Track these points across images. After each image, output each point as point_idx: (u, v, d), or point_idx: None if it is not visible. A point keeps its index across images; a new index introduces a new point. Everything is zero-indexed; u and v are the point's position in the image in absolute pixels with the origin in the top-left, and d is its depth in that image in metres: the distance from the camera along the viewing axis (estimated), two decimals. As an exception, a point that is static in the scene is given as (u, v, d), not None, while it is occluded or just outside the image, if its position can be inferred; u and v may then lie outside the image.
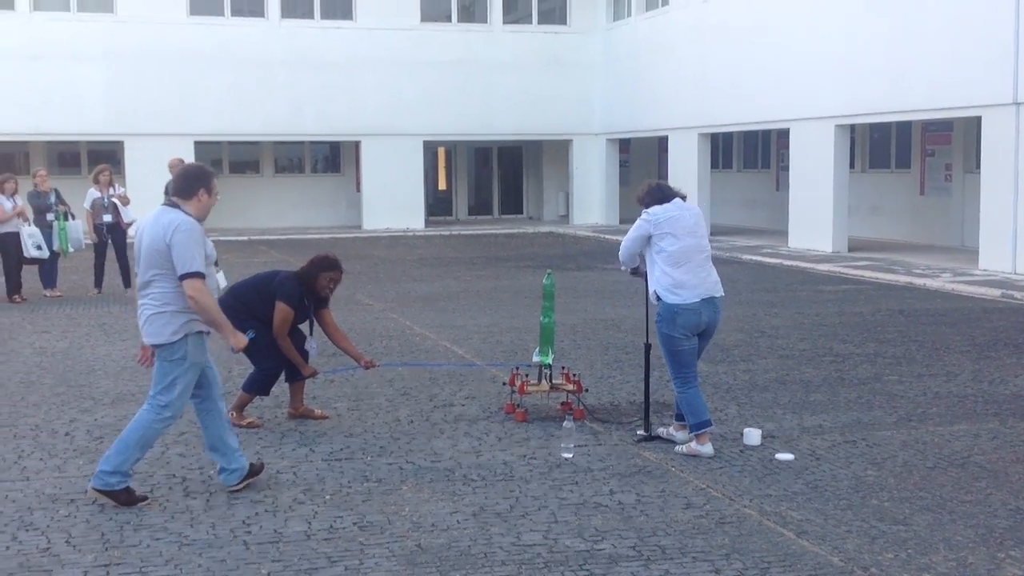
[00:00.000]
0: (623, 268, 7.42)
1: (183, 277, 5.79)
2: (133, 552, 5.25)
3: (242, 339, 6.18)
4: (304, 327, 7.85)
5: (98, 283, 15.66)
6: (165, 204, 6.04)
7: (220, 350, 7.13)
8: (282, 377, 7.84)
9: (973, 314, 13.23)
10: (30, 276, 15.27)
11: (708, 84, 24.86)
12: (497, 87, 29.32)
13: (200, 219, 5.99)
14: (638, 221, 7.05)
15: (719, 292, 7.02)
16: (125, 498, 5.95)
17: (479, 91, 29.18)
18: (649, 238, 6.96)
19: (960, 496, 6.08)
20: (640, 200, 7.11)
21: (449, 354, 10.60)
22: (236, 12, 27.90)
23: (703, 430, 6.91)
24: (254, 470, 6.31)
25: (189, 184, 6.03)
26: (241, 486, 6.19)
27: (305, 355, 7.79)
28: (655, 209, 6.98)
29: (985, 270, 17.36)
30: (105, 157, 26.48)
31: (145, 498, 6.02)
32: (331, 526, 5.62)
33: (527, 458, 6.88)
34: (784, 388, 8.97)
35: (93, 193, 15.53)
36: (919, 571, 4.97)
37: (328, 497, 6.10)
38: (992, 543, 5.34)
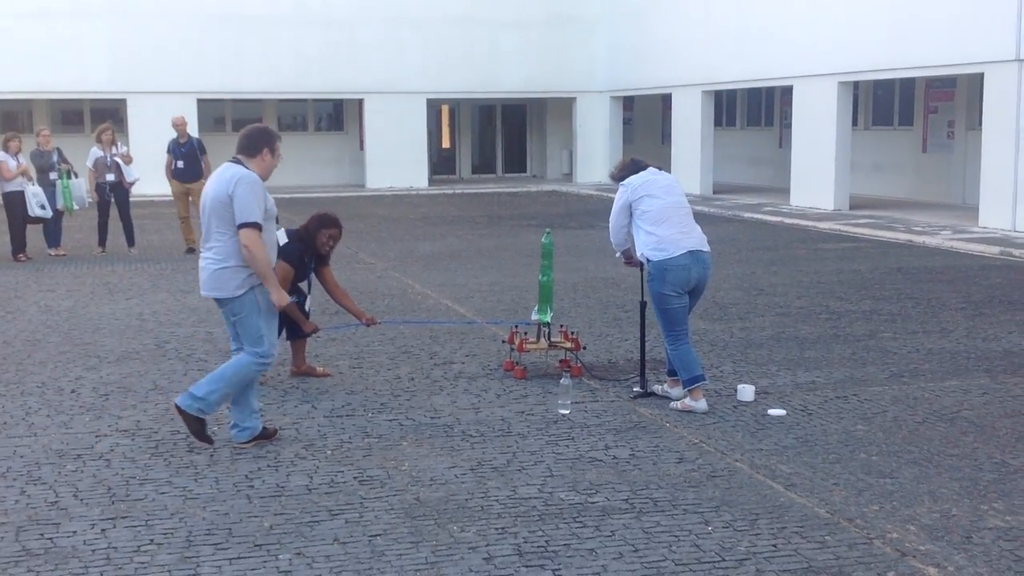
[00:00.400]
0: (617, 254, 7.54)
1: (241, 226, 5.95)
2: (139, 506, 5.39)
3: (285, 298, 6.24)
4: (304, 285, 7.95)
5: (102, 242, 15.77)
6: (231, 161, 6.21)
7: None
8: (283, 335, 7.95)
9: (971, 271, 13.31)
10: (34, 235, 15.38)
11: (712, 41, 24.78)
12: (501, 44, 29.19)
13: (263, 178, 6.18)
14: (617, 194, 7.22)
15: (705, 247, 7.14)
16: (196, 427, 6.16)
17: (483, 49, 29.06)
18: (630, 207, 7.09)
19: (947, 450, 6.20)
20: (615, 177, 7.36)
21: (450, 312, 10.72)
22: (239, -31, 27.81)
23: (696, 384, 7.02)
24: (266, 433, 6.42)
25: (254, 143, 6.25)
26: (249, 445, 6.32)
27: (306, 313, 7.90)
28: (630, 178, 7.18)
29: (985, 227, 17.41)
30: (108, 115, 26.52)
31: (211, 441, 6.22)
32: (332, 480, 5.75)
33: (525, 414, 7.01)
34: (779, 345, 9.08)
35: (96, 152, 15.60)
36: (903, 523, 5.10)
37: (329, 452, 6.23)
38: (976, 495, 5.46)
